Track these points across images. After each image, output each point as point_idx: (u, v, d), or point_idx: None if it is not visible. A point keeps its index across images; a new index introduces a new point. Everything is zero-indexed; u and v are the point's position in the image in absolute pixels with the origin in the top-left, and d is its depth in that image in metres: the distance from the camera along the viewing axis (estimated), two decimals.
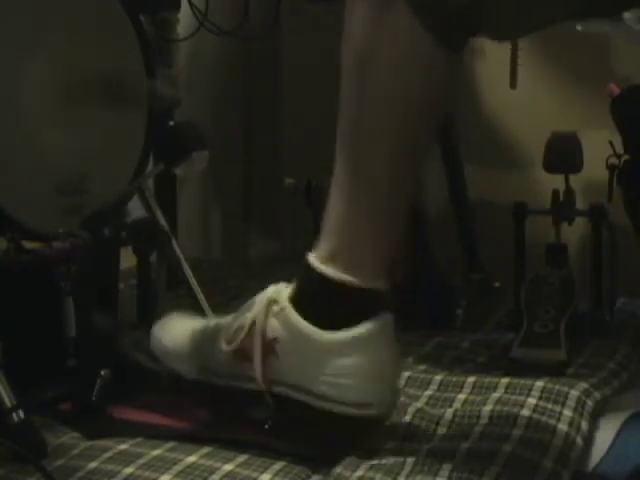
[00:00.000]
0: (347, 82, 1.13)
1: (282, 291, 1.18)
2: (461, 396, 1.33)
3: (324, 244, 1.16)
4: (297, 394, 1.17)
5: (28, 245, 1.38)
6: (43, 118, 1.39)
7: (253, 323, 1.18)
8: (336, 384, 1.14)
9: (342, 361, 1.14)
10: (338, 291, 1.14)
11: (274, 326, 1.17)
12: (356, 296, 1.14)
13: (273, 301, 1.17)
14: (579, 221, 1.62)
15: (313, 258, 1.16)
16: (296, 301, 1.16)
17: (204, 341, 1.25)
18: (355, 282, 1.14)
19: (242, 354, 1.19)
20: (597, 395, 1.32)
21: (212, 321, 1.29)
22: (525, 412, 1.24)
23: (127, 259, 1.46)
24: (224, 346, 1.20)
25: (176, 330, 1.30)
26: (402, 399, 1.27)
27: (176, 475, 1.09)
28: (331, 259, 1.15)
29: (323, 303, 1.15)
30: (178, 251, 1.57)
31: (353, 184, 1.14)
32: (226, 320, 1.24)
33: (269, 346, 1.17)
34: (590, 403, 1.29)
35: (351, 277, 1.14)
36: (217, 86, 2.21)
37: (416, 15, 1.07)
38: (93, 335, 1.30)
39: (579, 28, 1.66)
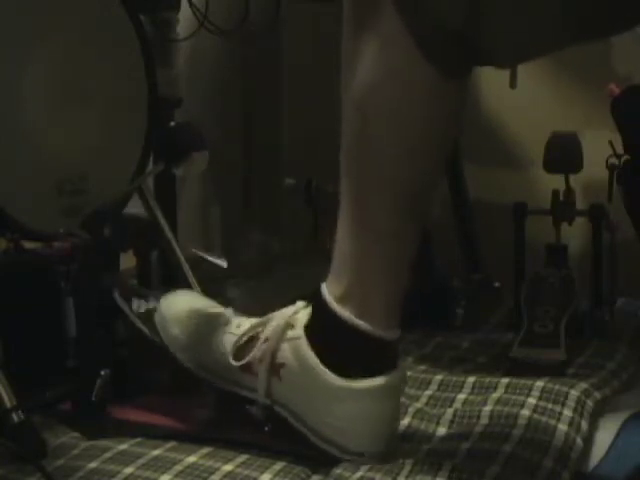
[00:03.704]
0: (349, 122, 1.11)
1: (300, 315, 1.16)
2: (461, 396, 1.33)
3: (336, 281, 1.14)
4: (294, 421, 1.17)
5: (28, 245, 1.38)
6: (43, 118, 1.39)
7: (266, 340, 1.17)
8: (336, 429, 1.13)
9: (348, 409, 1.13)
10: (351, 335, 1.13)
11: (285, 351, 1.16)
12: (369, 343, 1.13)
13: (289, 325, 1.16)
14: (579, 221, 1.62)
15: (328, 295, 1.14)
16: (310, 332, 1.15)
17: (207, 334, 1.24)
18: (368, 329, 1.12)
19: (247, 366, 1.19)
20: (597, 395, 1.32)
21: (221, 311, 1.26)
22: (525, 412, 1.24)
23: (127, 259, 1.46)
24: (232, 359, 1.20)
25: (181, 309, 1.28)
26: (402, 399, 1.27)
27: (176, 475, 1.09)
28: (344, 300, 1.13)
29: (336, 342, 1.14)
30: (178, 251, 1.57)
31: (357, 222, 1.13)
32: (235, 319, 1.23)
33: (275, 368, 1.16)
34: (590, 403, 1.29)
35: (364, 323, 1.12)
36: (217, 86, 2.20)
37: (417, 45, 1.05)
38: (93, 335, 1.30)
39: None
